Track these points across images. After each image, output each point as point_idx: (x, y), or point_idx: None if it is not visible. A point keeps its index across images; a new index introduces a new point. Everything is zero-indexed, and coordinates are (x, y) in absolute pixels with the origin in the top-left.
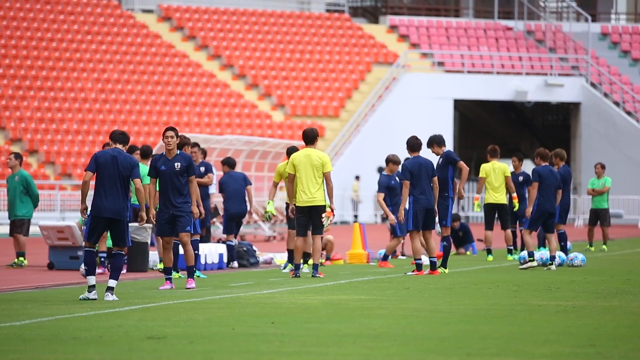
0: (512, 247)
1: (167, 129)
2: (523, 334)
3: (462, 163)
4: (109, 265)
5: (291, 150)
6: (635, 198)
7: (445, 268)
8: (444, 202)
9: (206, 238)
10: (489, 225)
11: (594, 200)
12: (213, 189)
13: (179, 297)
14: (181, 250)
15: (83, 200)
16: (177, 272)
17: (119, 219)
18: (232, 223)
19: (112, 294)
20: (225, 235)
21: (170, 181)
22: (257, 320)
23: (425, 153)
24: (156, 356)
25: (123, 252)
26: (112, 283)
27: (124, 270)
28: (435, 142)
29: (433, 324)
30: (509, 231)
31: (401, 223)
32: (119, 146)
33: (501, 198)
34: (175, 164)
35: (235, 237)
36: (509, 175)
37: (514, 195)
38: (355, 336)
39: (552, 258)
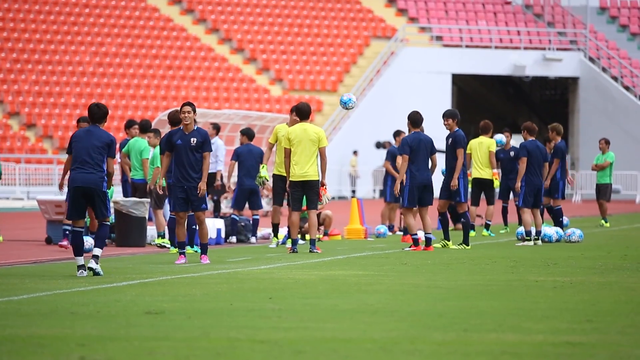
0: (489, 223)
1: (184, 104)
2: (520, 309)
3: (461, 151)
4: (95, 235)
5: (296, 109)
6: (633, 173)
7: (467, 245)
8: (448, 177)
9: (216, 213)
10: (474, 201)
11: (597, 175)
12: (221, 166)
13: (176, 273)
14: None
15: (63, 176)
16: (192, 247)
17: (93, 188)
18: (244, 198)
19: (96, 263)
20: (232, 209)
21: (186, 156)
22: (254, 296)
23: (427, 126)
24: (154, 331)
25: (108, 223)
26: (97, 251)
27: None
28: (452, 116)
29: (431, 299)
30: (491, 207)
31: (397, 196)
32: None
33: (486, 174)
34: (192, 139)
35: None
36: (493, 150)
37: (495, 171)
38: (353, 311)
39: (538, 233)
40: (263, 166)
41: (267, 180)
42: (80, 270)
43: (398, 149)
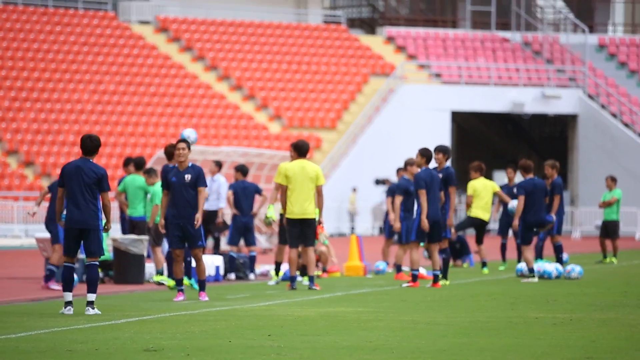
0: (486, 261)
1: (179, 141)
2: (520, 346)
3: (454, 189)
4: (85, 280)
5: (294, 146)
6: (633, 210)
7: (447, 279)
8: (442, 216)
9: (215, 250)
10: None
11: (604, 213)
12: (223, 203)
13: (175, 310)
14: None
15: (59, 211)
16: (190, 278)
17: (88, 229)
18: (239, 234)
19: (92, 308)
20: (229, 246)
21: (180, 193)
22: (253, 333)
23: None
24: None
25: (97, 263)
26: (91, 297)
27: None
28: (443, 151)
29: (430, 336)
30: (482, 246)
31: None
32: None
33: (484, 215)
34: (186, 176)
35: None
36: (499, 189)
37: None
38: (352, 348)
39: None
40: (270, 206)
41: (275, 220)
42: (68, 307)
43: (414, 184)
